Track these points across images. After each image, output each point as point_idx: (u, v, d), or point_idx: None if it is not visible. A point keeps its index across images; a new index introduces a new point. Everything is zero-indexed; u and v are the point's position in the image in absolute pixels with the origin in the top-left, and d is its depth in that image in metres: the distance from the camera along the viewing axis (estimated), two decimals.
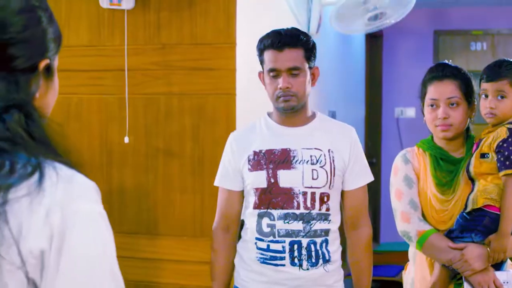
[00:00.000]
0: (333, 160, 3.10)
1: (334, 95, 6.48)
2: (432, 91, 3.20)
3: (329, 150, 3.11)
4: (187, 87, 4.06)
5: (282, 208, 3.06)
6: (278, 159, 3.09)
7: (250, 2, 4.20)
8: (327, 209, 3.09)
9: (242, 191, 3.20)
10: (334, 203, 3.12)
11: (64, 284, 1.33)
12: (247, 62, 4.08)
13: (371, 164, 3.68)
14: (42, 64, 1.48)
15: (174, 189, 4.11)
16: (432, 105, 3.19)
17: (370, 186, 3.31)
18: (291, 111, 3.10)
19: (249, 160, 3.13)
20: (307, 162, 3.08)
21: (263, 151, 3.12)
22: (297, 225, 3.06)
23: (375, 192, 8.23)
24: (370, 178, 3.23)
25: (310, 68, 3.11)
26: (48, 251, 1.33)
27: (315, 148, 3.11)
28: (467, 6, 8.84)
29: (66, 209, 1.35)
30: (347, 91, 7.49)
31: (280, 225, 3.06)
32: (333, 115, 6.16)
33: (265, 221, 3.10)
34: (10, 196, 1.32)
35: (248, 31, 4.13)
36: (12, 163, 1.35)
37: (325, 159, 3.09)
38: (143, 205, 4.16)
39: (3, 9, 1.42)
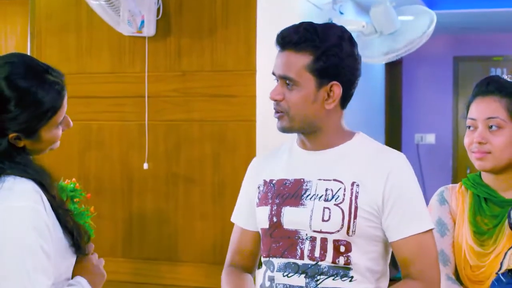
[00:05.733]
0: (356, 197, 2.25)
1: (353, 122, 6.46)
2: (472, 109, 2.50)
3: (353, 184, 2.27)
4: (207, 114, 4.07)
5: (282, 256, 2.31)
6: (287, 193, 2.34)
7: (269, 29, 4.21)
8: (347, 263, 2.26)
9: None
10: (361, 256, 2.28)
11: None
12: (267, 88, 4.05)
13: None
14: (11, 136, 2.07)
15: (194, 215, 4.10)
16: (469, 127, 2.50)
17: None
18: (289, 133, 2.37)
19: (259, 192, 2.43)
20: (320, 197, 2.28)
21: (274, 181, 2.39)
22: (298, 280, 2.28)
23: None
24: (426, 225, 2.29)
25: (320, 83, 2.28)
26: None
27: (334, 180, 2.29)
28: (487, 32, 8.83)
29: None
30: (367, 117, 7.48)
31: (279, 278, 2.31)
32: None
33: (267, 272, 2.36)
34: None
35: (268, 58, 4.12)
36: None
37: (344, 194, 2.26)
38: (163, 232, 4.15)
39: None
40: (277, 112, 2.34)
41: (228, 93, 4.02)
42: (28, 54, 4.46)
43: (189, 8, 4.09)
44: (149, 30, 4.02)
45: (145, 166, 4.10)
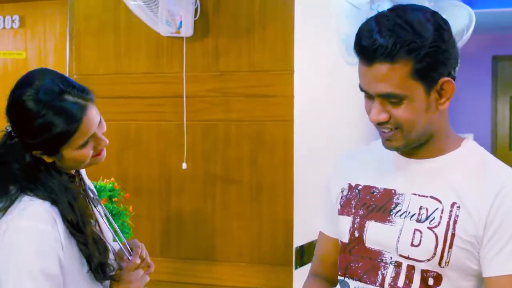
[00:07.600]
0: (455, 222, 1.88)
1: None
2: None
3: (453, 204, 1.90)
4: (245, 114, 4.07)
5: (360, 280, 2.00)
6: (374, 204, 2.01)
7: (308, 29, 4.20)
8: None
9: None
10: None
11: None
12: (305, 88, 4.08)
13: None
14: (34, 152, 2.14)
15: (231, 215, 4.10)
16: None
17: None
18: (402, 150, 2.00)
19: (341, 197, 2.13)
20: (412, 216, 1.93)
21: (360, 187, 2.07)
22: None
23: None
24: None
25: (430, 86, 1.90)
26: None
27: (431, 197, 1.93)
28: None
29: (9, 224, 2.05)
30: None
31: None
32: None
33: None
34: None
35: (306, 57, 4.12)
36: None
37: (440, 217, 1.90)
38: (201, 231, 4.16)
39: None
40: (386, 130, 1.94)
41: (266, 93, 4.01)
42: (67, 55, 4.50)
43: (226, 8, 4.10)
44: (187, 30, 4.03)
45: (184, 166, 4.11)
